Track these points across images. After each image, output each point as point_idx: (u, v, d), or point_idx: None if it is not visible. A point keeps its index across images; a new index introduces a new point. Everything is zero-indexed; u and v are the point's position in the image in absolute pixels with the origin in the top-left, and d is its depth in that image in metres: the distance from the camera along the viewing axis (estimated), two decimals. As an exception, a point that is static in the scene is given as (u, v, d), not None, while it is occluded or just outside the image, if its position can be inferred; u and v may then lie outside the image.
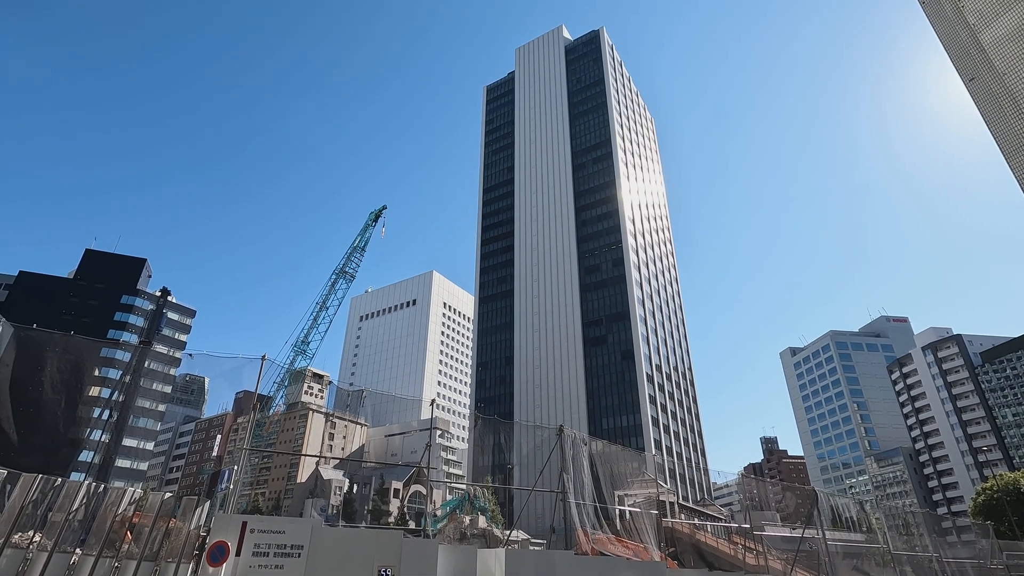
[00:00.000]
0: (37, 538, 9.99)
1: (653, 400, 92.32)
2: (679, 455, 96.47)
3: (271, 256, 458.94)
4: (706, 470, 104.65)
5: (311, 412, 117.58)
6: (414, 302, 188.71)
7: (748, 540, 26.63)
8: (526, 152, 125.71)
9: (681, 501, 68.65)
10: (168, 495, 11.53)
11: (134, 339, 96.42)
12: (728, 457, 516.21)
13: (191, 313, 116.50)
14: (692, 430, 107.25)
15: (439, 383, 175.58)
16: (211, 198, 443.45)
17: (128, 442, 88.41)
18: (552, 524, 18.85)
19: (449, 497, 63.47)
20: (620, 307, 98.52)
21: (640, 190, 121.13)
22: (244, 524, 10.02)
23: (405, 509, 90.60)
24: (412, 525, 71.01)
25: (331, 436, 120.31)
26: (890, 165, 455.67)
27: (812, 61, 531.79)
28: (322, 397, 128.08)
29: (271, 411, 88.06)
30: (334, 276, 78.01)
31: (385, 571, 10.70)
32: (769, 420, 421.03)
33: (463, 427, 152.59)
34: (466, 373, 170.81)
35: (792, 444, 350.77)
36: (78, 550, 10.14)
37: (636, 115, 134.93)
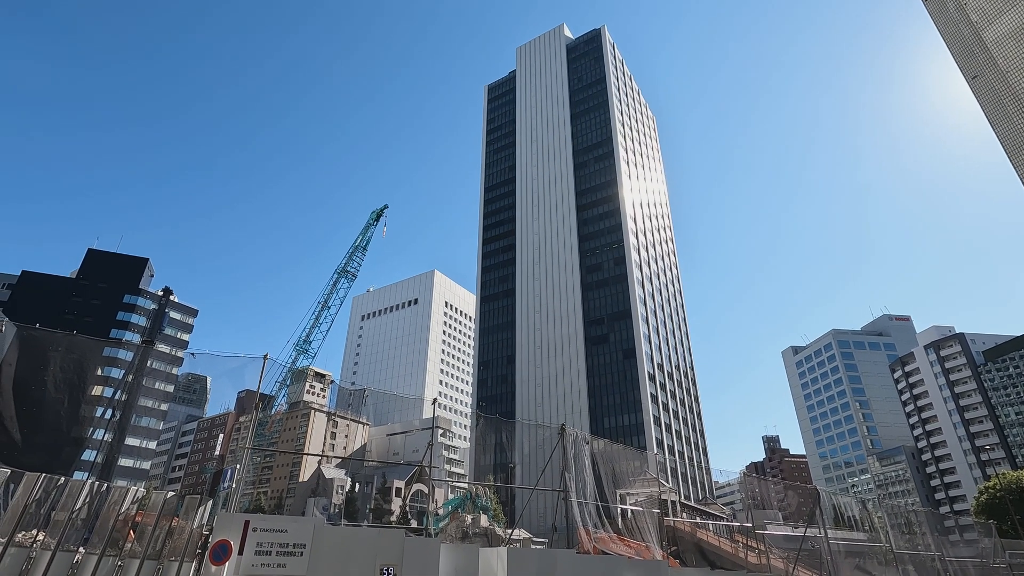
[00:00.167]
0: (40, 537, 10.02)
1: (655, 399, 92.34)
2: (681, 454, 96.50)
3: (273, 255, 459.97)
4: (708, 469, 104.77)
5: (313, 411, 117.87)
6: (416, 301, 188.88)
7: (750, 539, 26.65)
8: (527, 151, 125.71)
9: (683, 500, 68.49)
10: (171, 494, 11.58)
11: (137, 338, 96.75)
12: (730, 456, 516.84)
13: (193, 312, 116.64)
14: (694, 429, 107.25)
15: (441, 382, 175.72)
16: (212, 197, 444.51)
17: (131, 441, 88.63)
18: (554, 523, 18.86)
19: (451, 496, 63.43)
20: (622, 306, 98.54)
21: (641, 189, 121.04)
22: (247, 523, 10.04)
23: (407, 508, 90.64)
24: (414, 524, 71.22)
25: (333, 435, 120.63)
26: (892, 163, 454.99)
27: (814, 59, 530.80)
28: (324, 396, 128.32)
29: (273, 410, 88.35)
30: (336, 275, 78.32)
31: (387, 570, 10.72)
32: (771, 419, 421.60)
33: (465, 426, 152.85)
34: (468, 372, 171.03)
35: (794, 443, 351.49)
36: (81, 549, 10.19)
37: (637, 114, 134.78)
